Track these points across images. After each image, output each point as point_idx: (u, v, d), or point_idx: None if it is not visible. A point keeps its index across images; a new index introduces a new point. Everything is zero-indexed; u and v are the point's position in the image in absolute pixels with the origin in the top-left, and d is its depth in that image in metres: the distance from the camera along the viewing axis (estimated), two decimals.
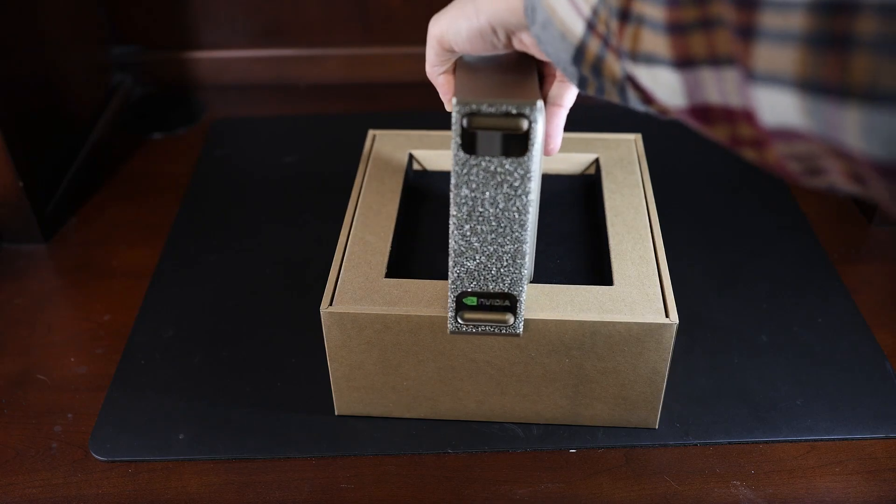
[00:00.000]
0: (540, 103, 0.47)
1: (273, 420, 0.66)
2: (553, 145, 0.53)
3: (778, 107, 0.28)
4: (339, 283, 0.61)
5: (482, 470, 0.63)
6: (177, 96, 1.12)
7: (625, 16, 0.35)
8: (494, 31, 0.45)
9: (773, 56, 0.27)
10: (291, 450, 0.64)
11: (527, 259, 0.54)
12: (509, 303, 0.56)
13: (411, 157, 0.74)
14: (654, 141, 0.83)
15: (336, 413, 0.66)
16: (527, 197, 0.50)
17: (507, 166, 0.49)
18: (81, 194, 0.93)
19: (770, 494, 0.61)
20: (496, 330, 0.57)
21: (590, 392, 0.62)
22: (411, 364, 0.61)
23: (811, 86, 0.26)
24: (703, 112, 0.33)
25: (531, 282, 0.63)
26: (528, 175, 0.50)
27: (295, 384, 0.69)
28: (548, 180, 0.74)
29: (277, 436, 0.65)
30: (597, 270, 0.65)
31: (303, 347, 0.72)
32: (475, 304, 0.56)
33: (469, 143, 0.48)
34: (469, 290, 0.55)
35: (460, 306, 0.56)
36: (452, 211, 0.52)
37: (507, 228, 0.52)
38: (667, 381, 0.61)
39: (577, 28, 0.39)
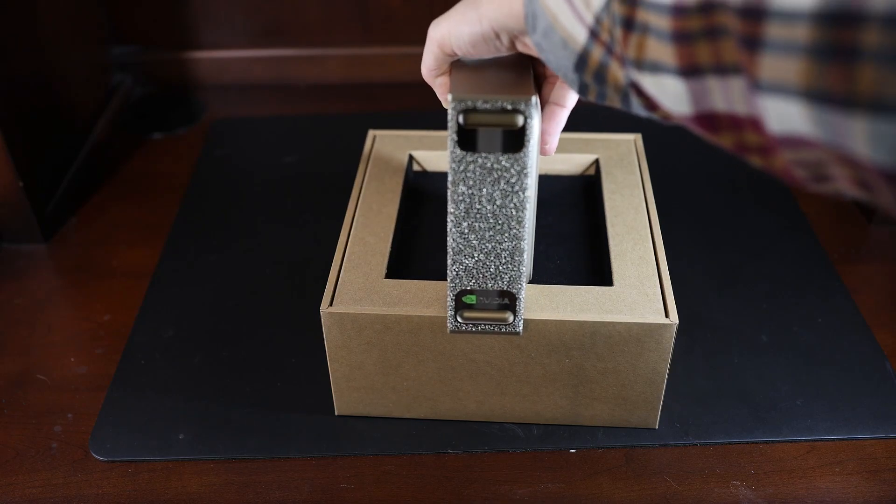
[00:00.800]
0: (535, 99, 0.47)
1: (273, 420, 0.66)
2: (550, 145, 0.53)
3: (785, 115, 0.28)
4: (339, 283, 0.61)
5: (482, 470, 0.63)
6: (177, 96, 1.12)
7: (629, 24, 0.35)
8: (497, 36, 0.45)
9: (778, 66, 0.27)
10: (291, 450, 0.64)
11: (525, 256, 0.54)
12: (508, 301, 0.56)
13: (411, 157, 0.74)
14: (654, 141, 0.83)
15: (336, 413, 0.66)
16: (524, 193, 0.51)
17: (503, 162, 0.49)
18: (81, 194, 0.93)
19: (770, 494, 0.61)
20: (496, 329, 0.57)
21: (590, 392, 0.62)
22: (411, 364, 0.61)
23: (817, 96, 0.26)
24: (708, 119, 0.33)
25: (531, 282, 0.63)
26: (525, 171, 0.50)
27: (295, 384, 0.69)
28: (548, 181, 0.74)
29: (277, 436, 0.65)
30: (597, 271, 0.65)
31: (303, 347, 0.72)
32: (474, 302, 0.56)
33: (465, 140, 0.48)
34: (468, 288, 0.55)
35: (459, 305, 0.56)
36: (450, 208, 0.52)
37: (505, 225, 0.52)
38: (667, 381, 0.61)
39: (580, 36, 0.39)
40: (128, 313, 0.77)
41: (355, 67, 1.13)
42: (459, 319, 0.57)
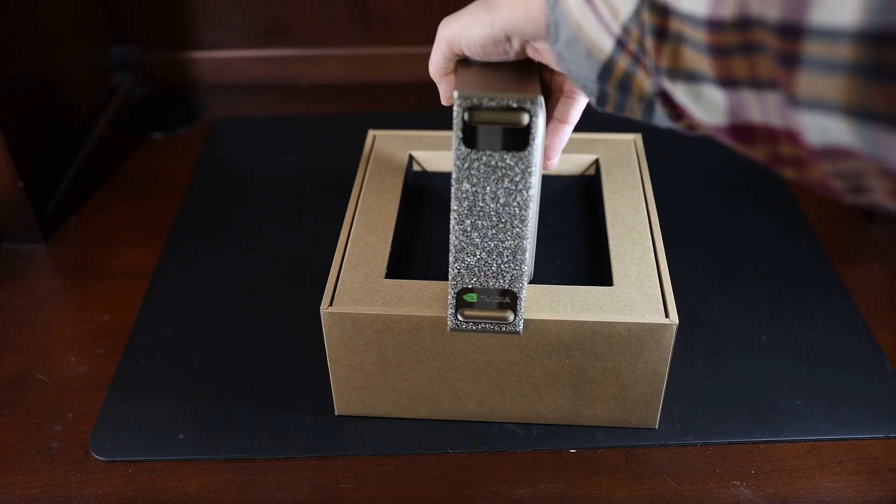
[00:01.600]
0: (541, 98, 0.47)
1: (273, 420, 0.66)
2: (553, 161, 0.54)
3: (825, 128, 0.27)
4: (339, 283, 0.61)
5: (482, 470, 0.63)
6: (177, 96, 1.12)
7: (662, 34, 0.34)
8: (509, 40, 0.45)
9: (817, 83, 0.27)
10: (291, 450, 0.64)
11: (527, 255, 0.54)
12: (509, 300, 0.56)
13: (411, 157, 0.74)
14: (654, 141, 0.83)
15: (336, 413, 0.66)
16: (528, 192, 0.51)
17: (507, 161, 0.49)
18: (81, 194, 0.93)
19: (770, 494, 0.61)
20: (496, 328, 0.57)
21: (590, 392, 0.62)
22: (411, 364, 0.61)
23: (860, 113, 0.26)
24: (744, 130, 0.33)
25: (531, 282, 0.63)
26: (529, 170, 0.50)
27: (295, 384, 0.69)
28: (548, 180, 0.74)
29: (277, 436, 0.65)
30: (597, 271, 0.65)
31: (303, 347, 0.72)
32: (475, 300, 0.56)
33: (470, 137, 0.48)
34: (469, 286, 0.55)
35: (460, 303, 0.56)
36: (453, 206, 0.52)
37: (508, 224, 0.52)
38: (667, 381, 0.61)
39: (606, 45, 0.38)
40: (128, 313, 0.77)
41: (355, 67, 1.13)
42: (460, 318, 0.56)
